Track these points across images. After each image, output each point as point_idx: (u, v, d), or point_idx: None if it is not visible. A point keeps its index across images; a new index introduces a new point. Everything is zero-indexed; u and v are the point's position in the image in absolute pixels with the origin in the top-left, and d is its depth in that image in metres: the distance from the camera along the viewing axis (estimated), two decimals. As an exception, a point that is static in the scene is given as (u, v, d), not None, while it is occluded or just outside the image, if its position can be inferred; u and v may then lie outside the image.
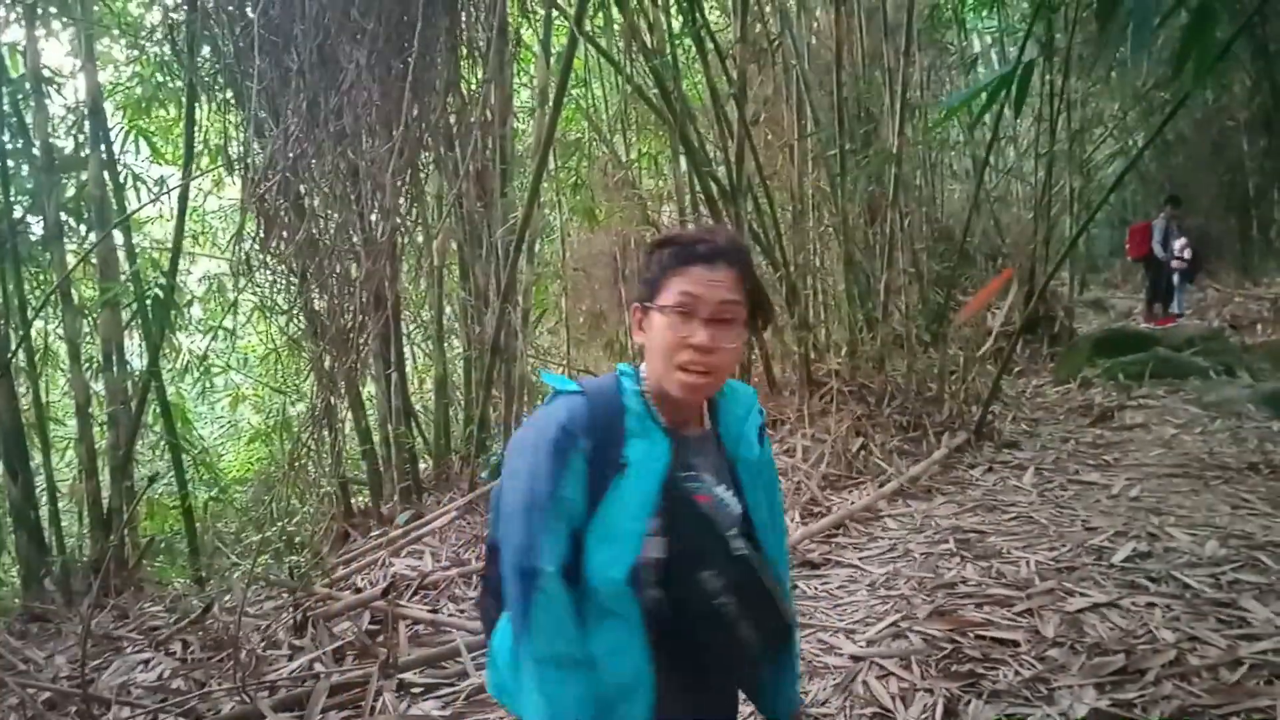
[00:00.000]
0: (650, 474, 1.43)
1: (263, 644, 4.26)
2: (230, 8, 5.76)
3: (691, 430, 1.54)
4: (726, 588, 1.42)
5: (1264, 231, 14.11)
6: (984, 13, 11.60)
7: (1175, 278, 11.84)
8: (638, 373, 1.55)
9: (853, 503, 5.58)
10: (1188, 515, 4.79)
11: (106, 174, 6.41)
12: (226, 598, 4.87)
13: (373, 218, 5.66)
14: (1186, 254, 11.69)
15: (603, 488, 1.43)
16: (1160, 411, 7.46)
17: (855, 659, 3.50)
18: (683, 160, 7.20)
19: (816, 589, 4.35)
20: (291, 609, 4.50)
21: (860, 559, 4.70)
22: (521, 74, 8.31)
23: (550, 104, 5.57)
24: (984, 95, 3.44)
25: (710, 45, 6.73)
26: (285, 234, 5.76)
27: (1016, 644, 3.43)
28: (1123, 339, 9.62)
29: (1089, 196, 11.05)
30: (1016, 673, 3.21)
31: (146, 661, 4.41)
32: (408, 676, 3.72)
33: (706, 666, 1.51)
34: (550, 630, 1.40)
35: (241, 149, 5.99)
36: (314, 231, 5.68)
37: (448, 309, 7.36)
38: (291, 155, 5.41)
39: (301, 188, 5.62)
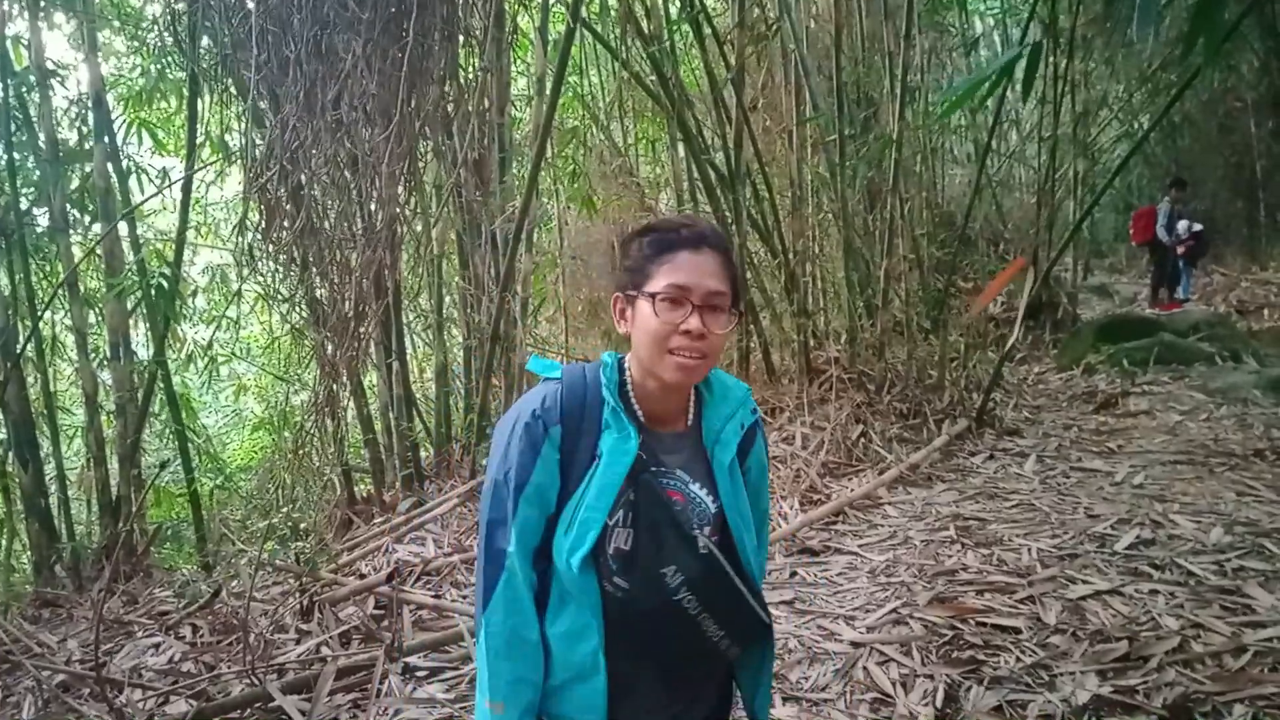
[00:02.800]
0: (615, 467, 1.44)
1: (270, 628, 4.31)
2: (229, -2, 5.77)
3: (672, 426, 1.55)
4: (689, 584, 1.43)
5: (1271, 215, 14.01)
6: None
7: (1181, 262, 11.79)
8: (621, 362, 1.55)
9: (853, 490, 5.60)
10: (1192, 502, 4.81)
11: (110, 165, 6.42)
12: (234, 583, 4.92)
13: (371, 206, 5.67)
14: (1195, 228, 11.62)
15: (577, 477, 1.46)
16: (1165, 398, 7.46)
17: (855, 645, 3.53)
18: (680, 147, 7.19)
19: (816, 576, 4.38)
20: (298, 594, 4.55)
21: (860, 546, 4.72)
22: (519, 62, 8.28)
23: (548, 92, 5.56)
24: (987, 84, 3.42)
25: (708, 30, 6.71)
26: (286, 223, 5.77)
27: (1018, 631, 3.46)
28: (1127, 325, 9.59)
29: (1093, 180, 10.99)
30: (1018, 659, 3.23)
31: (157, 645, 4.46)
32: (412, 660, 3.77)
33: (671, 661, 1.52)
34: (505, 609, 1.46)
35: (242, 139, 6.00)
36: (314, 220, 5.69)
37: (447, 298, 7.38)
38: (291, 145, 5.41)
39: (301, 177, 5.62)
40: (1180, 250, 11.70)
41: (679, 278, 1.42)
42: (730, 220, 6.61)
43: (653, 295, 1.43)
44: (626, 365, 1.55)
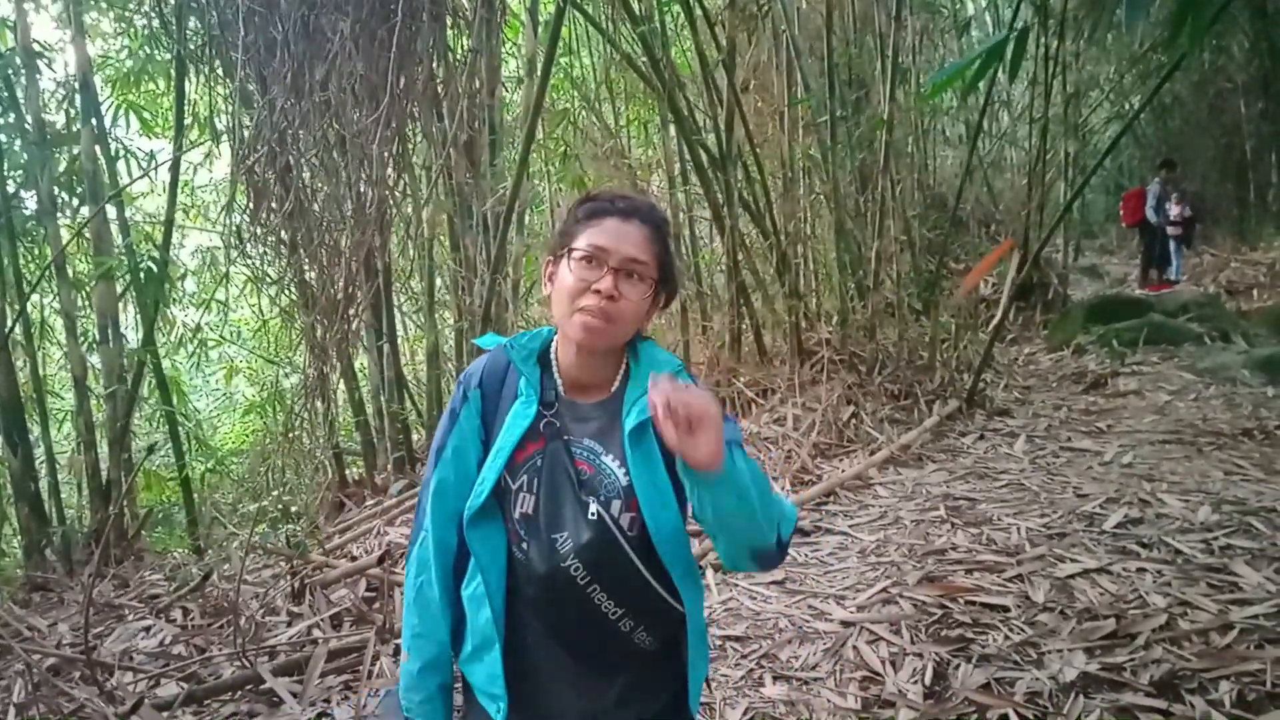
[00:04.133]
0: (512, 430, 1.46)
1: (261, 611, 4.32)
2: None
3: (594, 395, 1.52)
4: (577, 550, 1.41)
5: (1261, 195, 14.06)
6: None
7: (1172, 244, 11.80)
8: (551, 334, 1.56)
9: (843, 471, 5.61)
10: (1180, 481, 4.83)
11: (98, 148, 6.37)
12: (225, 566, 4.91)
13: (361, 187, 5.63)
14: (1186, 212, 11.63)
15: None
16: (1154, 378, 7.49)
17: (845, 624, 3.55)
18: (672, 129, 7.15)
19: (807, 556, 4.40)
20: (289, 577, 4.56)
21: (851, 526, 4.74)
22: (509, 44, 8.23)
23: (538, 73, 5.53)
24: (975, 66, 3.41)
25: (699, 11, 6.66)
26: (274, 205, 5.73)
27: (1006, 609, 3.48)
28: (1117, 305, 9.62)
29: (1084, 161, 11.01)
30: (1006, 637, 3.25)
31: (148, 628, 4.47)
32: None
33: (573, 638, 1.48)
34: (419, 565, 1.54)
35: (230, 121, 5.95)
36: (302, 202, 5.66)
37: (439, 280, 7.36)
38: (279, 126, 5.37)
39: (289, 158, 5.58)
40: (1172, 231, 11.71)
41: (600, 239, 1.42)
42: (722, 202, 6.60)
43: (571, 252, 1.43)
44: (557, 335, 1.56)
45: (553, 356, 1.53)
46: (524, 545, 1.45)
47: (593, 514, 1.41)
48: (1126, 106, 12.95)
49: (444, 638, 1.53)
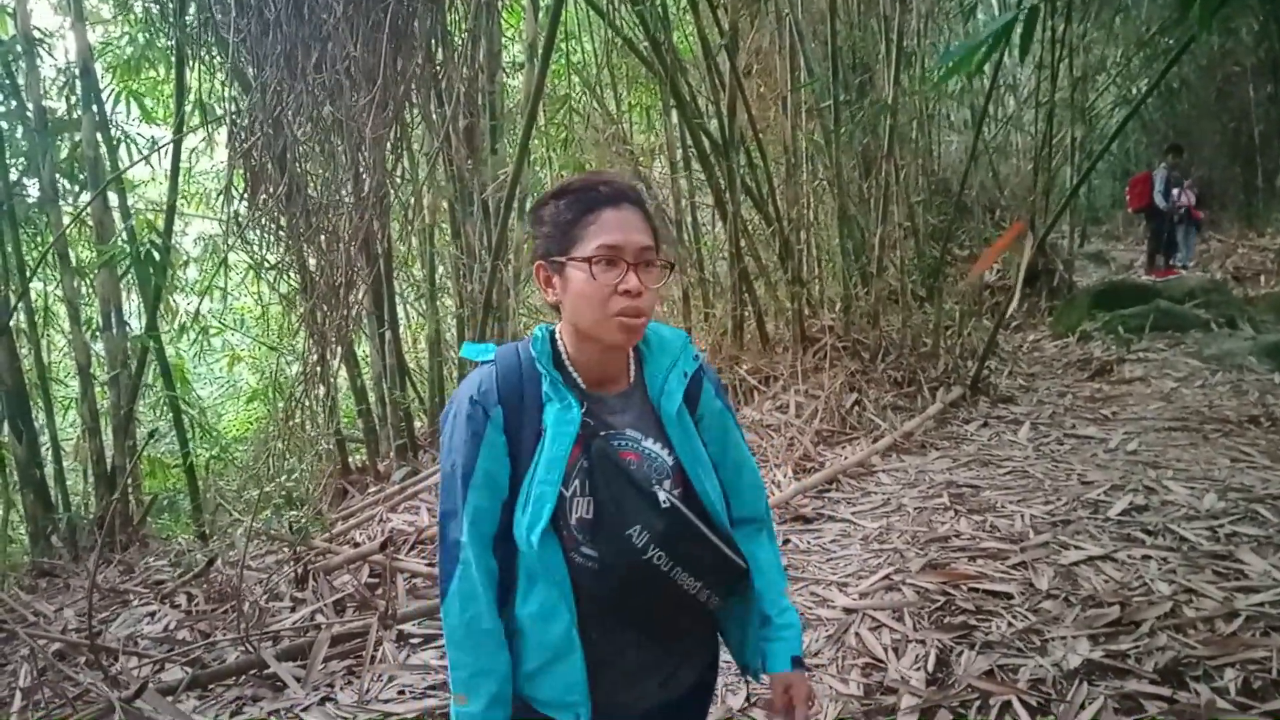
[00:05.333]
0: (561, 438, 1.42)
1: (265, 596, 4.35)
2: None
3: (615, 387, 1.52)
4: (656, 541, 1.39)
5: (1269, 181, 13.94)
6: (984, -45, 11.38)
7: (1181, 229, 11.69)
8: (552, 334, 1.53)
9: (846, 458, 5.60)
10: (1186, 469, 4.81)
11: (99, 135, 6.36)
12: (229, 552, 4.93)
13: (359, 170, 5.62)
14: (1191, 198, 11.54)
15: (527, 456, 1.44)
16: (1160, 365, 7.46)
17: (848, 611, 3.54)
18: (674, 114, 7.12)
19: (810, 543, 4.39)
20: (292, 563, 4.58)
21: (853, 513, 4.73)
22: (510, 29, 8.19)
23: (539, 58, 5.49)
24: (983, 49, 3.37)
25: (701, -6, 6.61)
26: (272, 189, 5.72)
27: (1010, 596, 3.47)
28: (1123, 291, 9.57)
29: (1090, 146, 10.92)
30: (1009, 624, 3.24)
31: (153, 614, 4.50)
32: (406, 627, 3.79)
33: (652, 623, 1.50)
34: (461, 601, 1.45)
35: (229, 105, 5.93)
36: (300, 186, 5.64)
37: (439, 267, 7.34)
38: (273, 108, 5.35)
39: (285, 141, 5.56)
40: (1189, 215, 11.59)
41: (609, 237, 1.39)
42: (724, 188, 6.57)
43: (587, 260, 1.39)
44: (558, 335, 1.52)
45: (564, 356, 1.51)
46: (588, 550, 1.43)
47: (665, 502, 1.41)
48: (1134, 90, 12.83)
49: (506, 671, 1.47)
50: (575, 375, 1.50)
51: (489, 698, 1.44)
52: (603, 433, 1.45)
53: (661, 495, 1.42)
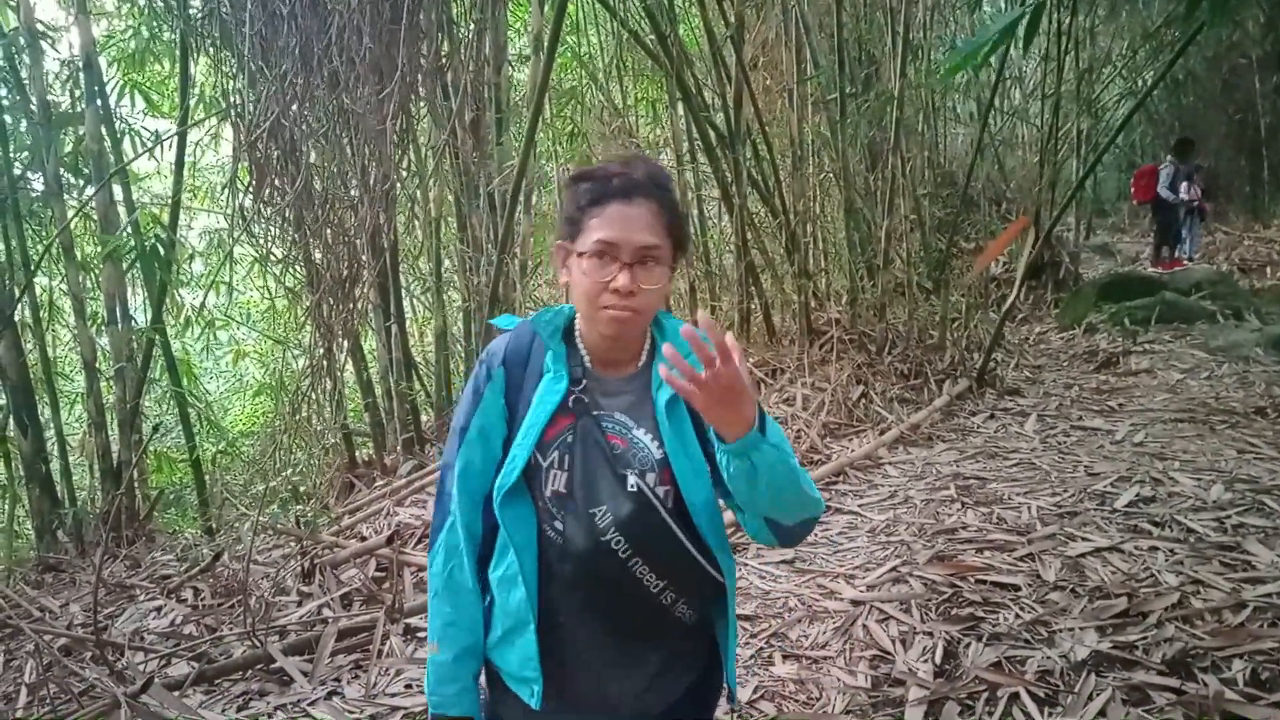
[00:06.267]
0: (542, 406, 1.44)
1: (272, 590, 4.34)
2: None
3: (621, 370, 1.51)
4: (618, 524, 1.38)
5: (1275, 173, 13.88)
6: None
7: (1188, 222, 11.63)
8: (573, 311, 1.53)
9: (853, 450, 5.59)
10: (1192, 460, 4.80)
11: (103, 128, 6.35)
12: (236, 546, 4.94)
13: (365, 162, 5.61)
14: (1196, 191, 11.48)
15: (523, 420, 1.46)
16: (1166, 356, 7.46)
17: (855, 603, 3.54)
18: (680, 107, 7.09)
19: (817, 535, 4.37)
20: (299, 557, 4.58)
21: (860, 506, 4.73)
22: (516, 21, 8.17)
23: (544, 50, 5.47)
24: (990, 44, 3.36)
25: (707, -15, 6.59)
26: (278, 182, 5.71)
27: (1017, 588, 3.46)
28: (1129, 283, 9.57)
29: (1096, 138, 10.89)
30: (1017, 616, 3.24)
31: (159, 608, 4.50)
32: (413, 621, 3.78)
33: (612, 612, 1.47)
34: (445, 553, 1.49)
35: (235, 98, 5.92)
36: (305, 178, 5.63)
37: (446, 261, 7.33)
38: (285, 99, 5.34)
39: (293, 134, 5.56)
40: (1197, 207, 11.53)
41: (606, 233, 1.37)
42: (730, 180, 6.55)
43: (583, 253, 1.39)
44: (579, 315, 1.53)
45: (577, 333, 1.51)
46: (557, 523, 1.43)
47: (632, 486, 1.40)
48: (1140, 82, 12.78)
49: (479, 625, 1.50)
50: (583, 353, 1.50)
51: (459, 649, 1.48)
52: (594, 412, 1.45)
53: (631, 479, 1.40)
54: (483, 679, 1.56)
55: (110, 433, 6.50)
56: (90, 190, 6.45)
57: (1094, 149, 10.23)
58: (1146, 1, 10.75)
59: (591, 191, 1.42)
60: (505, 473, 1.42)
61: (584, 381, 1.47)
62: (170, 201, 6.92)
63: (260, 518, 4.66)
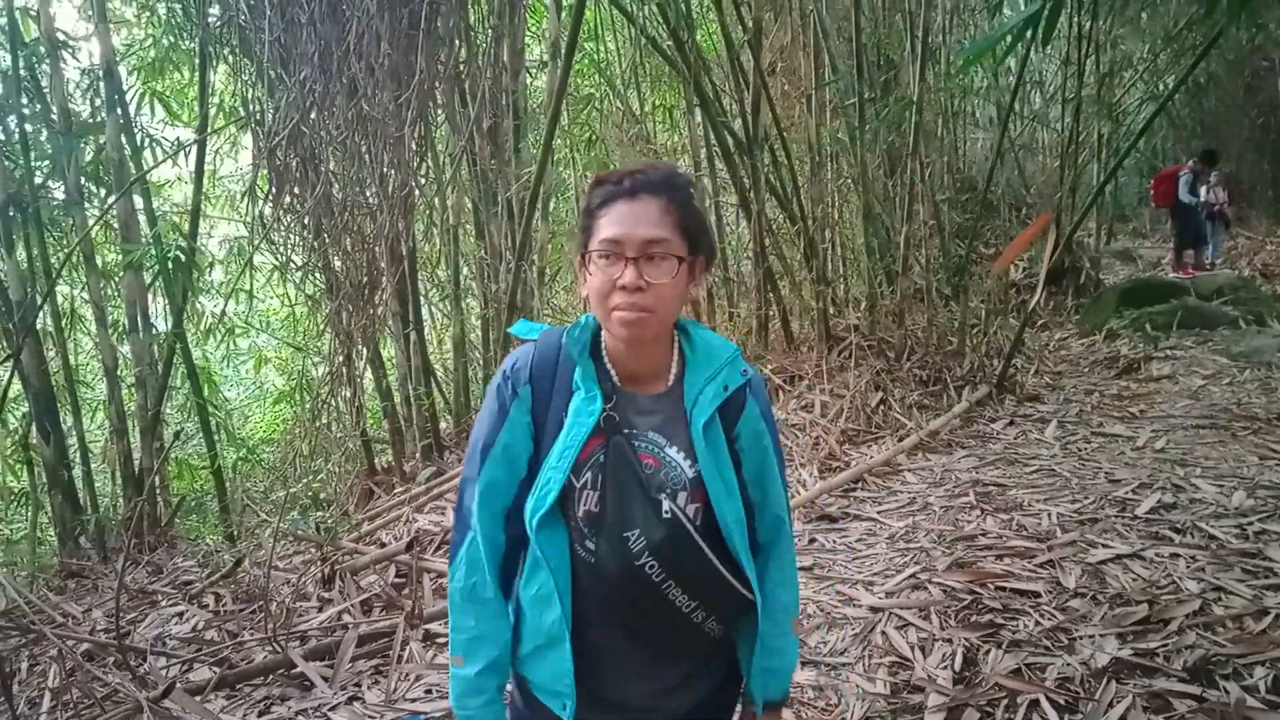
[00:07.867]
0: (577, 427, 1.41)
1: (292, 596, 4.36)
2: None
3: (651, 387, 1.49)
4: (651, 549, 1.37)
5: (1298, 177, 13.79)
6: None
7: (1210, 227, 11.53)
8: (596, 323, 1.50)
9: (872, 457, 5.57)
10: (1214, 466, 4.76)
11: (124, 137, 6.41)
12: (257, 553, 4.96)
13: (384, 169, 5.64)
14: (1222, 195, 11.38)
15: (550, 439, 1.44)
16: (1188, 362, 7.39)
17: (874, 610, 3.52)
18: (698, 113, 7.10)
19: (835, 542, 4.36)
20: (319, 563, 4.61)
21: (879, 512, 4.70)
22: (533, 27, 8.20)
23: (562, 57, 5.49)
24: (1008, 39, 3.34)
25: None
26: (297, 190, 5.76)
27: (1037, 595, 3.44)
28: (1150, 289, 9.48)
29: (1117, 143, 10.82)
30: (1037, 623, 3.22)
31: (181, 614, 4.54)
32: (433, 627, 3.80)
33: (642, 631, 1.47)
34: (467, 567, 1.48)
35: (254, 106, 5.97)
36: (324, 185, 5.67)
37: (464, 267, 7.36)
38: (305, 105, 5.39)
39: (312, 142, 5.60)
40: (1219, 212, 11.44)
41: (611, 231, 1.37)
42: (749, 186, 6.55)
43: (592, 254, 1.39)
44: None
45: (603, 347, 1.49)
46: (589, 543, 1.42)
47: (666, 512, 1.39)
48: (1161, 86, 12.69)
49: (505, 638, 1.49)
50: (610, 368, 1.47)
51: (485, 662, 1.47)
52: (625, 430, 1.43)
53: (666, 505, 1.39)
54: (509, 687, 1.57)
55: (132, 440, 6.55)
56: (111, 199, 6.51)
57: (1115, 154, 10.15)
58: (1167, 4, 10.67)
59: (602, 194, 1.42)
60: (540, 495, 1.41)
61: (614, 399, 1.45)
62: (190, 209, 6.98)
63: (281, 524, 4.68)
